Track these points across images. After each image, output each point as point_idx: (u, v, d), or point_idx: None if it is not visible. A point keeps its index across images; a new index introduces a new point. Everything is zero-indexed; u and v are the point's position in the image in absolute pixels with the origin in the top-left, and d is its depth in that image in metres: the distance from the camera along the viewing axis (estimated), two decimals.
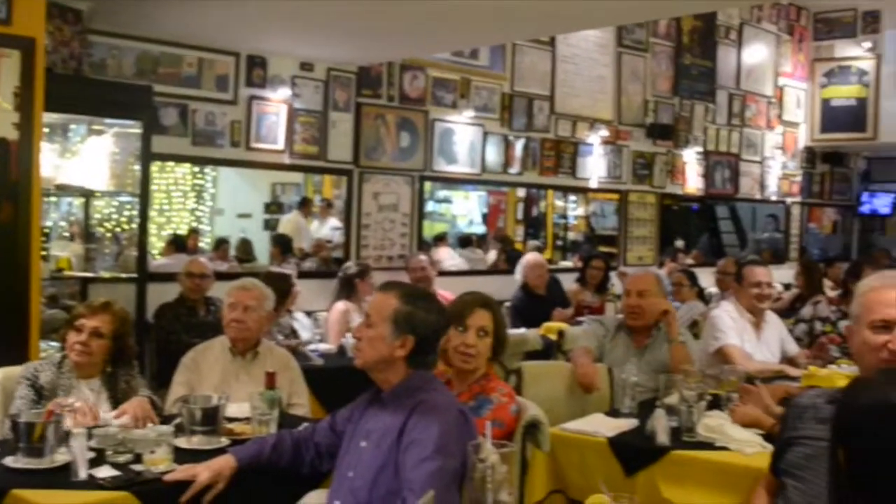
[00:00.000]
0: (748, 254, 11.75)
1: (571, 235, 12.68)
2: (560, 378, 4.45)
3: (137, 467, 2.91)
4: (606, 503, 2.20)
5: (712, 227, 13.29)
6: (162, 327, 5.75)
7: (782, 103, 12.63)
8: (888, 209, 14.61)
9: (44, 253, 5.13)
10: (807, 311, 6.04)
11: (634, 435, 3.57)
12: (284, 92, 7.17)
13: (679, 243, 11.15)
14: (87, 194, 5.88)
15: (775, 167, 12.57)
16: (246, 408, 3.48)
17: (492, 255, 10.58)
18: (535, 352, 6.34)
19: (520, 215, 12.85)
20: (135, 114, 5.71)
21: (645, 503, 3.08)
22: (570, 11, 5.86)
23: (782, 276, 9.65)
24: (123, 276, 5.76)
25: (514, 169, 9.02)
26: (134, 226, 5.86)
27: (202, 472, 2.83)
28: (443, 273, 8.25)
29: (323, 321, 6.67)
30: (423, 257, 7.62)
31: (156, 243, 8.98)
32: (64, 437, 2.94)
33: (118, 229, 6.00)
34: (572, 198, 12.36)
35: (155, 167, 7.17)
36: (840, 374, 4.39)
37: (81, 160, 5.71)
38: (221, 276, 6.19)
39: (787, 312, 6.86)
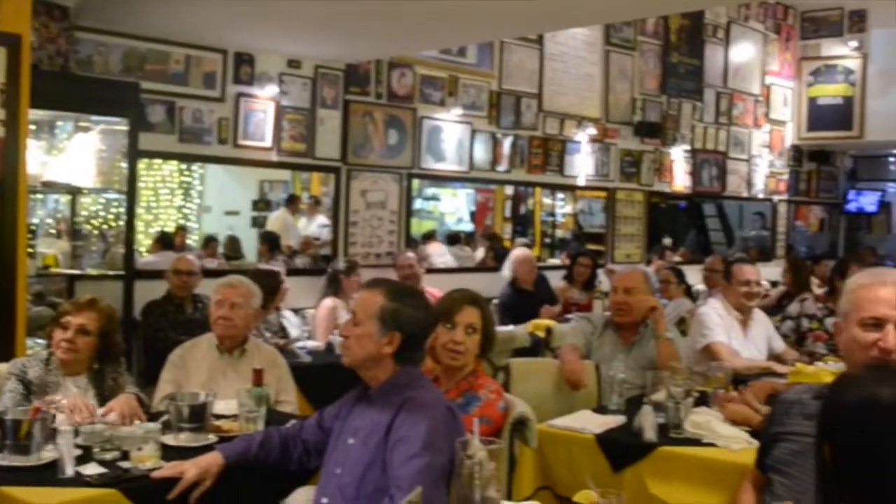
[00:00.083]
0: (735, 251, 11.78)
1: (559, 233, 12.71)
2: (548, 375, 4.46)
3: (125, 464, 2.90)
4: (594, 499, 2.21)
5: (700, 224, 13.33)
6: (149, 325, 5.75)
7: (769, 102, 12.68)
8: (874, 207, 14.68)
9: (30, 250, 5.11)
10: (794, 308, 6.05)
11: (622, 431, 3.58)
12: (272, 89, 7.15)
13: (667, 241, 11.17)
14: (74, 191, 5.86)
15: (762, 165, 12.61)
16: (233, 405, 3.48)
17: (480, 253, 10.58)
18: (523, 349, 6.35)
19: (508, 213, 12.86)
20: (122, 111, 5.69)
21: (632, 499, 3.08)
22: (558, 9, 5.86)
23: (769, 273, 9.66)
24: (110, 273, 5.74)
25: (502, 167, 9.03)
26: (121, 223, 5.84)
27: (189, 470, 2.82)
28: (431, 270, 8.26)
29: (311, 318, 6.67)
30: (410, 255, 7.62)
31: (143, 241, 8.95)
32: (51, 435, 2.93)
33: (105, 226, 5.98)
34: (560, 195, 12.39)
35: (142, 164, 7.15)
36: (827, 370, 4.40)
37: (68, 157, 5.68)
38: (209, 274, 6.17)
39: (774, 310, 6.88)
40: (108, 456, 2.97)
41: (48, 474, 2.81)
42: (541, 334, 6.45)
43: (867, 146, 13.36)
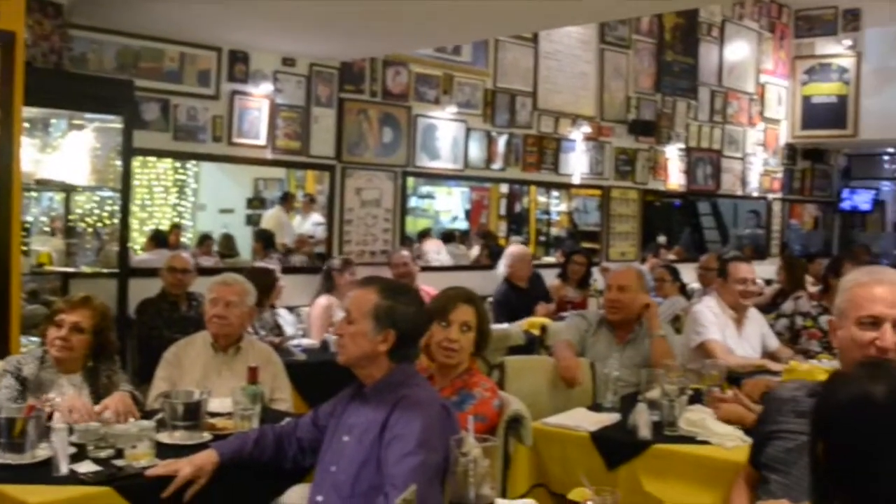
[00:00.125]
0: (730, 249, 11.80)
1: (554, 231, 12.72)
2: (542, 373, 4.46)
3: (119, 462, 2.90)
4: (589, 497, 2.21)
5: (694, 223, 13.35)
6: (144, 323, 5.74)
7: (764, 100, 12.69)
8: (868, 205, 14.72)
9: (24, 248, 5.09)
10: (788, 306, 6.07)
11: (616, 429, 3.59)
12: (266, 87, 7.14)
13: (661, 239, 11.18)
14: (68, 189, 5.85)
15: (757, 164, 12.62)
16: (228, 403, 3.48)
17: (475, 251, 10.59)
18: (518, 347, 6.35)
19: (503, 211, 12.87)
20: (116, 108, 5.68)
21: (627, 497, 3.09)
22: (553, 8, 5.86)
23: (763, 271, 9.66)
24: (105, 271, 5.73)
25: (497, 165, 9.02)
26: (115, 221, 5.82)
27: (184, 467, 2.82)
28: (426, 268, 8.26)
29: (305, 316, 6.67)
30: (405, 253, 7.62)
31: (137, 239, 8.94)
32: (45, 433, 2.92)
33: (99, 224, 5.97)
34: (555, 194, 12.39)
35: (136, 162, 7.15)
36: (821, 368, 4.41)
37: (62, 155, 5.67)
38: (204, 272, 6.17)
39: (769, 307, 6.90)
40: (103, 454, 2.97)
41: (42, 472, 2.80)
42: (535, 332, 6.45)
43: (861, 145, 13.39)
